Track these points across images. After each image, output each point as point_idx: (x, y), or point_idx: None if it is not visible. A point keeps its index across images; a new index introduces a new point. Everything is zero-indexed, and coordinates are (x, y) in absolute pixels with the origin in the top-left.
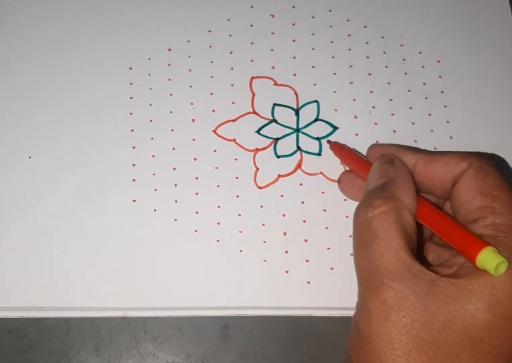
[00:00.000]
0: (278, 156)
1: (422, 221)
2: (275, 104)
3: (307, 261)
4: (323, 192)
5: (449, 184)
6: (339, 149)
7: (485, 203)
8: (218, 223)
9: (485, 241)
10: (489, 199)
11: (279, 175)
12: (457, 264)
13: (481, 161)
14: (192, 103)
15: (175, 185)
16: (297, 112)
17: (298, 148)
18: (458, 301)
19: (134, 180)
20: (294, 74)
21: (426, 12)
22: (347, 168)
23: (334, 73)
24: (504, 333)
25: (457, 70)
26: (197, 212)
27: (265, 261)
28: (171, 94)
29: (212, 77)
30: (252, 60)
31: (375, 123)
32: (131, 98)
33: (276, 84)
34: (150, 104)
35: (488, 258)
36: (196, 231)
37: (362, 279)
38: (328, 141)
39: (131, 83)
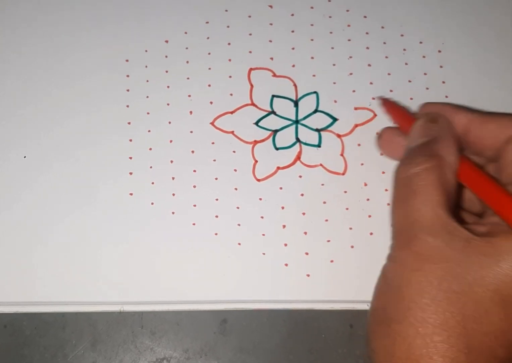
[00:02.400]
0: (277, 148)
1: (462, 180)
2: (273, 96)
3: (306, 253)
4: (322, 184)
5: (500, 145)
6: (390, 105)
7: None
8: (216, 216)
9: None
10: None
11: (278, 168)
12: (492, 223)
13: None
14: (189, 95)
15: (173, 178)
16: (296, 103)
17: (297, 140)
18: (491, 258)
19: (131, 173)
20: (293, 65)
21: (426, 1)
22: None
23: (334, 64)
24: None
25: (458, 60)
26: (195, 205)
27: (264, 254)
28: (168, 86)
29: (209, 68)
30: (250, 51)
31: (375, 115)
32: (127, 90)
33: (274, 75)
34: (147, 97)
35: None
36: (194, 224)
37: (397, 232)
38: (380, 98)
39: (127, 76)
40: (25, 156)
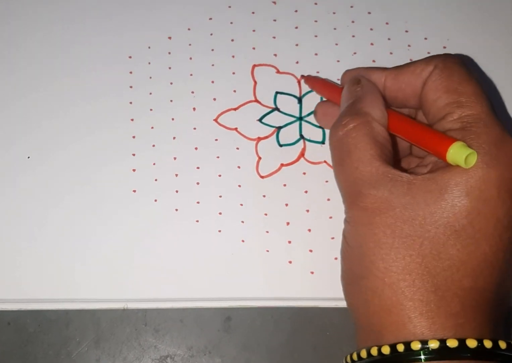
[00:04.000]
0: (280, 145)
1: (394, 131)
2: (277, 92)
3: (310, 251)
4: (326, 181)
5: (419, 91)
6: (313, 81)
7: (452, 99)
8: (220, 213)
9: (453, 136)
10: (455, 94)
11: (282, 165)
12: (431, 162)
13: (445, 61)
14: (193, 92)
15: (176, 175)
16: (300, 100)
17: (301, 136)
18: (435, 193)
19: (134, 170)
20: (297, 62)
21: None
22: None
23: (338, 61)
24: (483, 216)
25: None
26: (198, 202)
27: (268, 251)
28: (171, 83)
29: (213, 65)
30: (254, 48)
31: None
32: (131, 87)
33: (278, 72)
34: (150, 93)
35: (457, 153)
36: (197, 221)
37: (344, 193)
38: (302, 76)
39: (131, 72)
40: (28, 157)
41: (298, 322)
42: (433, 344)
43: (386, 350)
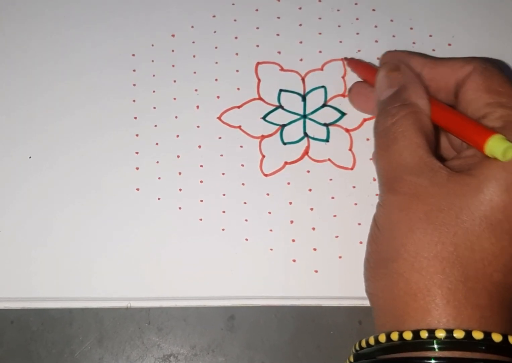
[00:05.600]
0: (284, 143)
1: (435, 120)
2: (281, 90)
3: (314, 249)
4: (331, 179)
5: (453, 86)
6: (355, 63)
7: (493, 99)
8: (224, 212)
9: (493, 130)
10: (496, 95)
11: (286, 163)
12: (470, 156)
13: (485, 64)
14: (196, 90)
15: (179, 173)
16: (304, 98)
17: (305, 134)
18: (473, 186)
19: (137, 168)
20: (301, 59)
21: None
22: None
23: (342, 58)
24: None
25: (468, 53)
26: (202, 200)
27: (271, 249)
28: (174, 81)
29: (216, 63)
30: (257, 45)
31: None
32: (134, 85)
33: (282, 69)
34: (154, 91)
35: (495, 145)
36: (201, 219)
37: (383, 179)
38: (345, 58)
39: (134, 70)
40: (30, 157)
41: (302, 321)
42: (458, 334)
43: (408, 335)
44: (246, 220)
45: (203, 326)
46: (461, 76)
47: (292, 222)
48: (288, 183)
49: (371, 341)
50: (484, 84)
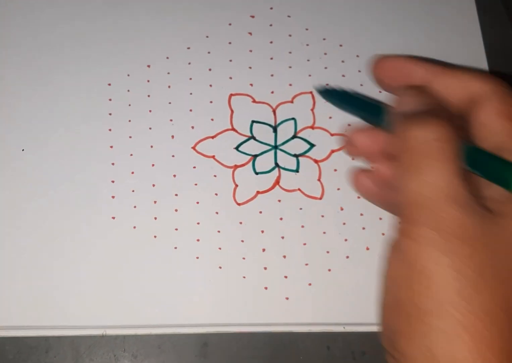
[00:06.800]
0: (256, 173)
1: None
2: (253, 121)
3: (285, 277)
4: (300, 208)
5: (464, 102)
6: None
7: None
8: (198, 240)
9: None
10: None
11: (258, 192)
12: (494, 196)
13: (504, 88)
14: (171, 120)
15: (155, 202)
16: (275, 129)
17: (276, 165)
18: None
19: (113, 197)
20: (272, 92)
21: (402, 30)
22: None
23: (311, 91)
24: None
25: None
26: (176, 229)
27: (244, 277)
28: (150, 111)
29: (191, 93)
30: (230, 77)
31: None
32: (110, 114)
33: (254, 101)
34: (129, 121)
35: None
36: (175, 248)
37: (414, 203)
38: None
39: (110, 99)
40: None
41: (274, 346)
42: None
43: None
44: (220, 248)
45: (177, 353)
46: (476, 94)
47: (264, 250)
48: (260, 212)
49: None
50: (506, 111)
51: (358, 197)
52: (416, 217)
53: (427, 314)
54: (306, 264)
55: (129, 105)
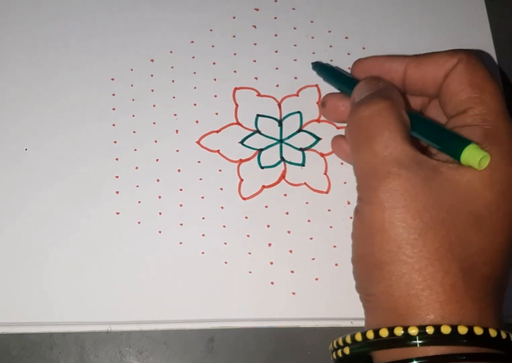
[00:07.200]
0: (262, 167)
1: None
2: (258, 115)
3: (292, 272)
4: (307, 202)
5: (441, 81)
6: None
7: (475, 94)
8: (203, 235)
9: (473, 132)
10: (478, 90)
11: (263, 186)
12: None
13: (470, 56)
14: (175, 114)
15: (159, 197)
16: (280, 123)
17: (282, 159)
18: (461, 183)
19: (117, 192)
20: (277, 85)
21: (408, 23)
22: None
23: (316, 84)
24: (501, 209)
25: None
26: (181, 224)
27: (250, 272)
28: (154, 105)
29: (195, 88)
30: (235, 71)
31: None
32: (113, 109)
33: (259, 95)
34: (133, 116)
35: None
36: (181, 243)
37: (367, 171)
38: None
39: (113, 94)
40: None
41: (280, 342)
42: (461, 330)
43: (413, 330)
44: (225, 243)
45: (183, 349)
46: (448, 69)
47: (270, 244)
48: (266, 206)
49: (370, 335)
50: (468, 77)
51: None
52: (369, 183)
53: (383, 263)
54: (313, 259)
55: (133, 100)
